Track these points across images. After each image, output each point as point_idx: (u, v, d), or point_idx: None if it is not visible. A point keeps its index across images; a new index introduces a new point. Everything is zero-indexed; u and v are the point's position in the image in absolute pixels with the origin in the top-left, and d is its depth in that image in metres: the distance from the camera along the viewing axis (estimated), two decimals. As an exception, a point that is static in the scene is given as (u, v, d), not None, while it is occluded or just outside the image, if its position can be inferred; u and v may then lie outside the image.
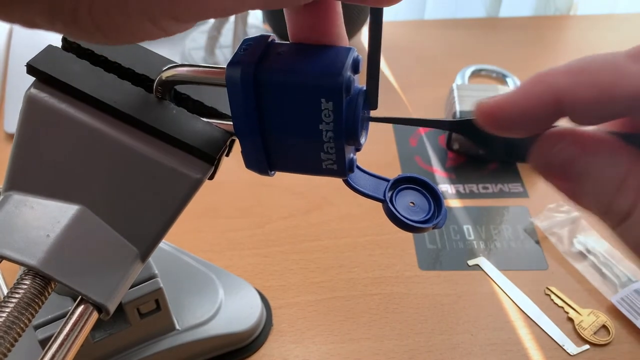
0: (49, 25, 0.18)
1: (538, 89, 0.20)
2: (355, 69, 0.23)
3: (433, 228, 0.26)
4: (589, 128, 0.21)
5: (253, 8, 0.19)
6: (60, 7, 0.17)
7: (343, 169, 0.24)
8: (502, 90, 0.65)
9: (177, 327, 0.44)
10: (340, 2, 0.24)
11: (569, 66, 0.19)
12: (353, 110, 0.23)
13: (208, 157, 0.25)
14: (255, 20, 0.81)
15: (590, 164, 0.20)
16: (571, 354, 0.47)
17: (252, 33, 0.76)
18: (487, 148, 0.23)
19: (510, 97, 0.20)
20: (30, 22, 0.18)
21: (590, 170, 0.20)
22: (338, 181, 0.26)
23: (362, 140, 0.24)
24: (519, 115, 0.20)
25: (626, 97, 0.18)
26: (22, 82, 0.25)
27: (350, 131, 0.23)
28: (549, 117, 0.20)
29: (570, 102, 0.19)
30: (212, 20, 0.77)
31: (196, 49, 0.75)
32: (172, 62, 0.27)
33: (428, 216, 0.26)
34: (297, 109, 0.23)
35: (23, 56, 0.24)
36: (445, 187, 0.61)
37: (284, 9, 0.24)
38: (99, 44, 0.24)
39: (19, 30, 0.80)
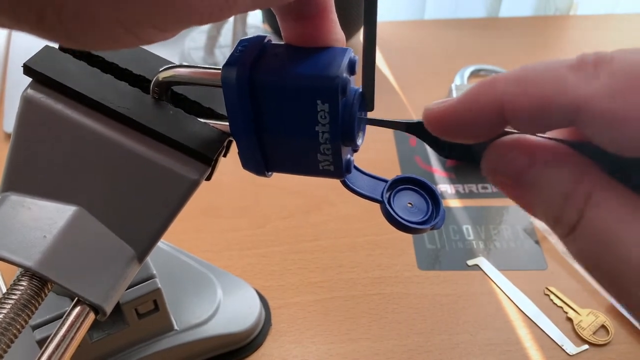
0: (15, 25, 0.17)
1: (481, 97, 0.19)
2: (352, 70, 0.23)
3: (431, 229, 0.26)
4: (540, 136, 0.21)
5: (240, 12, 0.18)
6: (26, 9, 0.16)
7: (340, 170, 0.24)
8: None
9: (176, 327, 0.44)
10: (334, 11, 0.23)
11: (513, 74, 0.19)
12: (349, 112, 0.23)
13: (205, 158, 0.25)
14: (255, 20, 0.81)
15: (539, 174, 0.20)
16: (570, 353, 0.47)
17: (252, 33, 0.76)
18: (440, 150, 0.23)
19: (454, 104, 0.20)
20: None
21: (539, 181, 0.20)
22: (337, 181, 0.26)
23: (359, 141, 0.24)
24: (462, 123, 0.20)
25: (565, 108, 0.18)
26: (21, 81, 0.25)
27: (346, 133, 0.23)
28: (492, 125, 0.20)
29: (511, 111, 0.19)
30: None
31: (195, 48, 0.75)
32: (169, 62, 0.27)
33: (426, 217, 0.26)
34: (293, 110, 0.23)
35: (22, 55, 0.23)
36: (445, 187, 0.61)
37: (277, 19, 0.24)
38: (71, 48, 0.23)
39: (19, 30, 0.80)
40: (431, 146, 0.23)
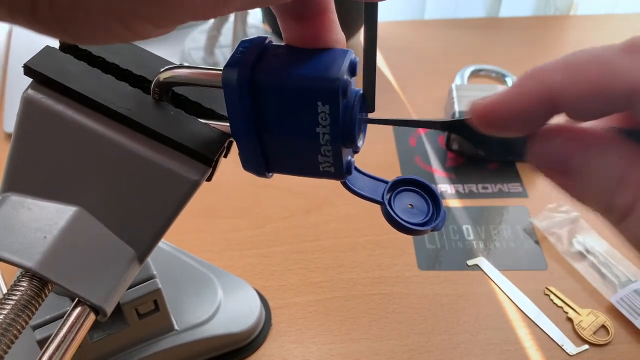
0: (10, 18, 0.17)
1: (531, 87, 0.19)
2: (352, 71, 0.23)
3: (432, 231, 0.26)
4: (587, 123, 0.20)
5: (236, 9, 0.18)
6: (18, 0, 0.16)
7: (340, 172, 0.24)
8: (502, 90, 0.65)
9: (176, 327, 0.44)
10: (334, 11, 0.23)
11: (562, 62, 0.19)
12: (350, 113, 0.23)
13: (205, 159, 0.25)
14: (255, 20, 0.81)
15: (589, 159, 0.20)
16: (570, 354, 0.47)
17: (252, 33, 0.76)
18: (483, 148, 0.23)
19: (503, 96, 0.20)
20: None
21: (589, 166, 0.20)
22: (337, 181, 0.26)
23: (360, 143, 0.24)
24: (513, 115, 0.20)
25: (620, 93, 0.18)
26: (21, 82, 0.25)
27: (347, 134, 0.23)
28: (543, 115, 0.20)
29: (565, 99, 0.19)
30: (211, 20, 0.77)
31: (196, 48, 0.75)
32: (170, 63, 0.27)
33: (426, 218, 0.26)
34: (294, 111, 0.23)
35: (23, 56, 0.23)
36: (445, 187, 0.61)
37: (278, 19, 0.24)
38: (67, 42, 0.23)
39: (19, 30, 0.80)
40: (473, 143, 0.23)
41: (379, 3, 0.22)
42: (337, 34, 0.24)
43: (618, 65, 0.18)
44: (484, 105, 0.20)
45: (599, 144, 0.20)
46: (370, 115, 0.25)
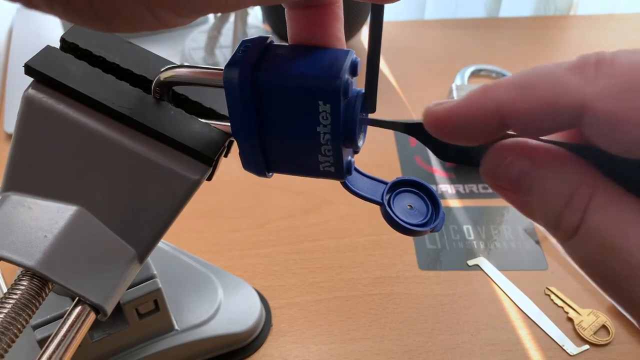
0: (47, 7, 0.18)
1: (481, 101, 0.19)
2: (354, 71, 0.23)
3: (431, 231, 0.26)
4: (540, 139, 0.21)
5: (255, 4, 0.19)
6: None
7: (340, 172, 0.24)
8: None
9: (176, 327, 0.44)
10: (342, 7, 0.24)
11: (513, 79, 0.19)
12: (351, 113, 0.23)
13: (206, 159, 0.25)
14: (255, 20, 0.81)
15: (538, 178, 0.20)
16: (571, 354, 0.47)
17: (252, 33, 0.76)
18: (438, 152, 0.23)
19: (454, 106, 0.20)
20: (29, 2, 0.19)
21: (539, 185, 0.20)
22: (337, 181, 0.26)
23: (360, 143, 0.24)
24: (462, 126, 0.20)
25: (568, 109, 0.18)
26: (22, 82, 0.25)
27: (347, 134, 0.23)
28: (492, 129, 0.20)
29: (512, 115, 0.19)
30: (212, 20, 0.77)
31: (196, 49, 0.75)
32: (171, 62, 0.27)
33: (426, 219, 0.26)
34: (295, 111, 0.23)
35: (23, 56, 0.23)
36: (445, 187, 0.61)
37: (285, 11, 0.24)
38: (97, 30, 0.24)
39: (19, 30, 0.80)
40: (429, 148, 0.23)
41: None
42: (340, 32, 0.24)
43: (567, 82, 0.18)
44: (435, 112, 0.20)
45: (549, 162, 0.20)
46: (371, 116, 0.25)
